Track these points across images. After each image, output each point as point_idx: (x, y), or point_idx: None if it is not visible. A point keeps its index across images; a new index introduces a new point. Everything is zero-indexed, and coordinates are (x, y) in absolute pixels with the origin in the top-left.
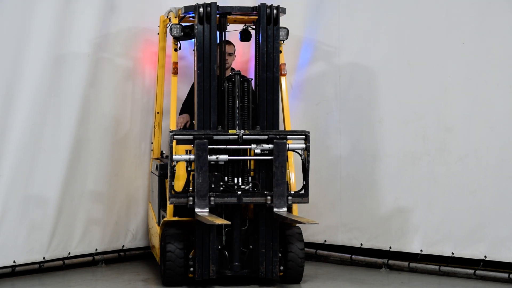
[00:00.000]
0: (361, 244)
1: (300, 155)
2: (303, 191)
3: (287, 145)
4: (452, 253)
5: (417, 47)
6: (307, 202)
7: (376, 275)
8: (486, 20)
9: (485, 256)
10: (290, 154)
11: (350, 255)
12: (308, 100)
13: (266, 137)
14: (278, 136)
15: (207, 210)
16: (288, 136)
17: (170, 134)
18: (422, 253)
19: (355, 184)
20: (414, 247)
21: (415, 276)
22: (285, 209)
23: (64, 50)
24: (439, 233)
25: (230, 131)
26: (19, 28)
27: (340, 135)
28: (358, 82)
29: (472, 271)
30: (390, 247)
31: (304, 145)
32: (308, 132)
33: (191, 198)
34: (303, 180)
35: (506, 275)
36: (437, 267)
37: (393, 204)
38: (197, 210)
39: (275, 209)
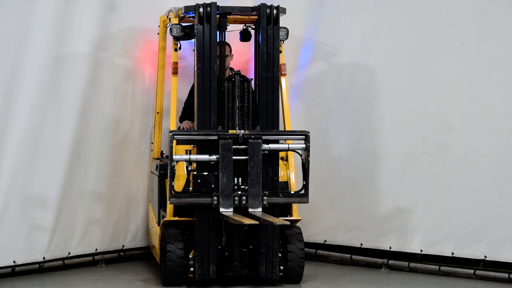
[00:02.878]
0: (361, 244)
1: (300, 155)
2: (303, 191)
3: (285, 145)
4: (452, 253)
5: (417, 47)
6: (307, 202)
7: (376, 275)
8: (486, 20)
9: (485, 256)
10: (290, 154)
11: (350, 255)
12: (308, 100)
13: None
14: (252, 136)
15: (232, 210)
16: (288, 136)
17: (170, 134)
18: (422, 253)
19: (355, 184)
20: (414, 247)
21: (415, 276)
22: (260, 209)
23: (64, 50)
24: (439, 233)
25: (231, 131)
26: (19, 28)
27: (340, 135)
28: (358, 82)
29: (472, 271)
30: (390, 247)
31: (304, 145)
32: (308, 132)
33: (215, 198)
34: (303, 180)
35: (506, 275)
36: (437, 267)
37: (393, 204)
38: (221, 210)
39: (250, 210)
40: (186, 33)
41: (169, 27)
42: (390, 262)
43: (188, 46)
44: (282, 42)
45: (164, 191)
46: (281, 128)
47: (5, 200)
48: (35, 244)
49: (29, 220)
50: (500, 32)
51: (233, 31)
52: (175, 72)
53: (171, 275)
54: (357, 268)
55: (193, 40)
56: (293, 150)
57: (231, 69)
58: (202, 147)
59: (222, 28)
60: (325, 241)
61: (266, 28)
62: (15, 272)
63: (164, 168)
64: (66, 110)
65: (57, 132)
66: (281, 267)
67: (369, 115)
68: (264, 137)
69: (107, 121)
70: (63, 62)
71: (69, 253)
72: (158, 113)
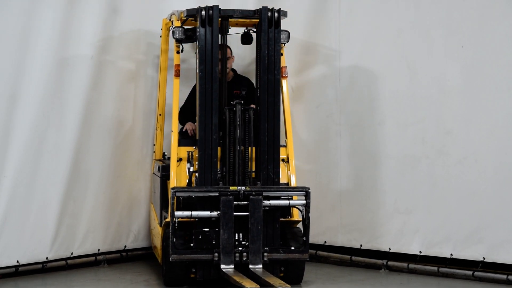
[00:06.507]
0: (361, 245)
1: (300, 211)
2: (303, 247)
3: (286, 201)
4: (451, 255)
5: (417, 50)
6: (307, 258)
7: (375, 276)
8: (486, 24)
9: (484, 258)
10: (291, 157)
11: (350, 256)
12: (308, 102)
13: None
14: (253, 193)
15: (233, 267)
16: (289, 192)
17: (172, 191)
18: (421, 254)
19: (355, 186)
20: (413, 249)
21: (414, 277)
22: (260, 266)
23: (68, 52)
24: (438, 234)
25: (232, 188)
26: (23, 30)
27: (340, 137)
28: (358, 85)
29: (470, 273)
30: (390, 248)
31: (304, 201)
32: (309, 189)
33: (216, 254)
34: (303, 236)
35: (504, 277)
36: (436, 268)
37: (392, 206)
38: (222, 266)
39: (250, 266)
40: (188, 36)
41: (172, 30)
42: (390, 263)
43: (190, 49)
44: (283, 45)
45: (166, 192)
46: (281, 128)
47: (9, 201)
48: (38, 244)
49: (32, 221)
50: (499, 36)
51: (234, 34)
52: (177, 74)
53: (173, 275)
54: (356, 269)
55: (195, 42)
56: (294, 206)
57: (233, 70)
58: (203, 202)
59: (224, 31)
60: (325, 242)
61: (268, 31)
62: (18, 272)
63: (166, 170)
64: (69, 112)
65: (60, 134)
66: (282, 268)
67: (369, 118)
68: (265, 193)
69: (109, 123)
70: (67, 65)
71: (72, 253)
72: (160, 115)
